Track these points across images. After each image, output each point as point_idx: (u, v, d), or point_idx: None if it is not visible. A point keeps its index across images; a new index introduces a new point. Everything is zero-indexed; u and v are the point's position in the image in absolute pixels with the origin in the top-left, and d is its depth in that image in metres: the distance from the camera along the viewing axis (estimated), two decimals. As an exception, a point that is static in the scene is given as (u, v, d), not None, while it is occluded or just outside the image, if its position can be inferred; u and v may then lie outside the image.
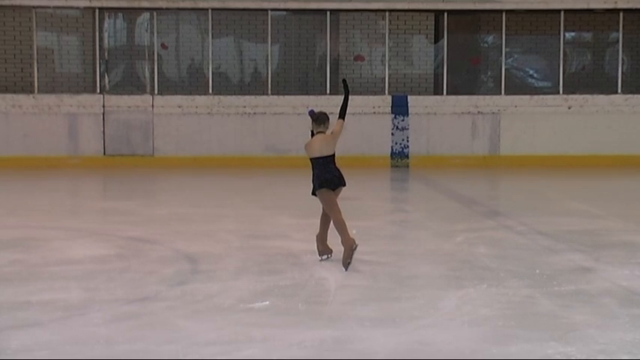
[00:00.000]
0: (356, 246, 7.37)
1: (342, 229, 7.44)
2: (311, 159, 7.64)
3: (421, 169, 16.13)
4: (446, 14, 17.00)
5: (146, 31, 17.39)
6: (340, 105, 7.84)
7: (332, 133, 7.70)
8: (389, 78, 17.12)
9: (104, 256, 8.02)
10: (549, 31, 17.61)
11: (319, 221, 7.74)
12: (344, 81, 8.20)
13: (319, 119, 7.72)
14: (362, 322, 5.70)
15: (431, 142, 16.71)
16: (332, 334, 5.42)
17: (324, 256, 7.73)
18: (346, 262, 7.33)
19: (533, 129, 16.71)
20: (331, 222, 7.60)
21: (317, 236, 7.77)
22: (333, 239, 7.56)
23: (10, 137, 16.22)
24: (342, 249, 7.36)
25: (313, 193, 7.64)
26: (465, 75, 18.05)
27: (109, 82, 17.10)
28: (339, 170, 7.63)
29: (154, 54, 17.01)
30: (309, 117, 7.76)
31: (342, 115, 7.79)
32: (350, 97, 8.00)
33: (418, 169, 16.26)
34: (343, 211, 7.50)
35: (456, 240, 8.85)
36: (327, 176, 7.55)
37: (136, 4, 16.73)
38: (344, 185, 7.65)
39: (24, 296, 6.43)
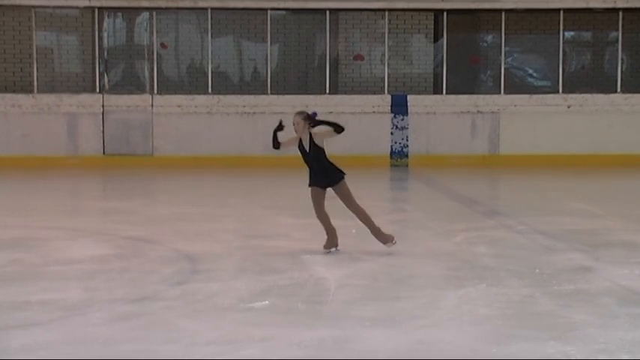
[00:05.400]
0: (334, 249, 7.93)
1: (325, 224, 7.97)
2: (322, 149, 7.88)
3: (421, 169, 16.12)
4: (445, 13, 17.00)
5: (145, 30, 17.38)
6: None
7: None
8: (388, 77, 17.12)
9: (104, 255, 8.02)
10: (549, 30, 17.60)
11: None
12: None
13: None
14: (362, 321, 5.70)
15: (430, 142, 16.70)
16: (332, 334, 5.42)
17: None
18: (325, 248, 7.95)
19: (532, 128, 16.71)
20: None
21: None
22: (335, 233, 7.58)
23: (10, 137, 16.21)
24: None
25: (340, 179, 7.89)
26: (465, 74, 18.03)
27: (109, 81, 17.09)
28: None
29: (153, 53, 17.00)
30: (311, 117, 7.89)
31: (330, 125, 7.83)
32: (335, 122, 7.88)
33: (418, 168, 16.25)
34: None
35: (455, 239, 8.85)
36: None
37: (135, 4, 16.71)
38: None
39: (24, 296, 6.42)
